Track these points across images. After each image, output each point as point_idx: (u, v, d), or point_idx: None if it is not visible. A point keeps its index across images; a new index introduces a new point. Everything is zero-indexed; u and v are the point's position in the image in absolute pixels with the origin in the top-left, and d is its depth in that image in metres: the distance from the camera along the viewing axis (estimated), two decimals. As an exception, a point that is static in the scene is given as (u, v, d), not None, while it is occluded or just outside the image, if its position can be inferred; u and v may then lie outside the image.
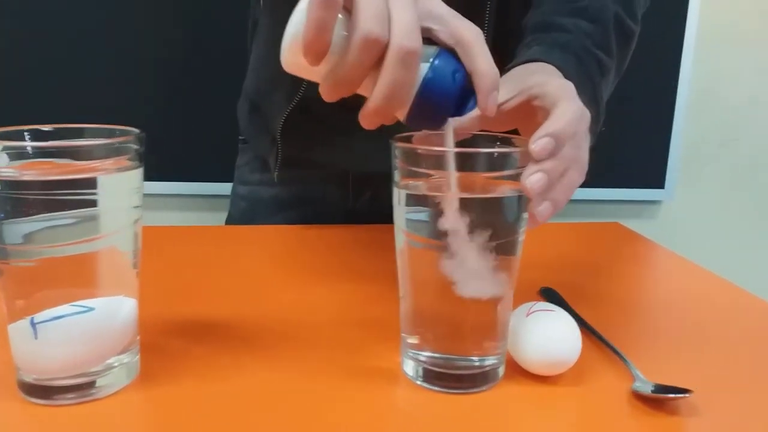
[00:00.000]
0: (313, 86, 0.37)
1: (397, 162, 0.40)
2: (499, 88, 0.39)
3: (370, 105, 0.36)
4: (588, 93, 0.51)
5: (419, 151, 0.39)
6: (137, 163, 0.39)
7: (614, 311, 0.56)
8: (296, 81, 0.68)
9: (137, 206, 0.39)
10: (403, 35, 0.34)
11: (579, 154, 0.41)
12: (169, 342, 0.46)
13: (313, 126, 0.73)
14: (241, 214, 0.87)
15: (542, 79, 0.44)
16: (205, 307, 0.53)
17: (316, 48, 0.34)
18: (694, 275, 0.67)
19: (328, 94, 0.36)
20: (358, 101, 0.37)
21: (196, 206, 1.28)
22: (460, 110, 0.39)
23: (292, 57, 0.36)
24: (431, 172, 0.38)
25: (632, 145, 1.35)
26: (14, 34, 1.13)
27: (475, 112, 0.40)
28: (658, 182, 1.38)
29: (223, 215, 0.89)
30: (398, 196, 0.41)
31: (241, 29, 0.86)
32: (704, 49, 1.35)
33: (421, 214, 0.40)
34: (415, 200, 0.40)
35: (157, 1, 1.15)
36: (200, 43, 1.18)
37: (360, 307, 0.55)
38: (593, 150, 0.45)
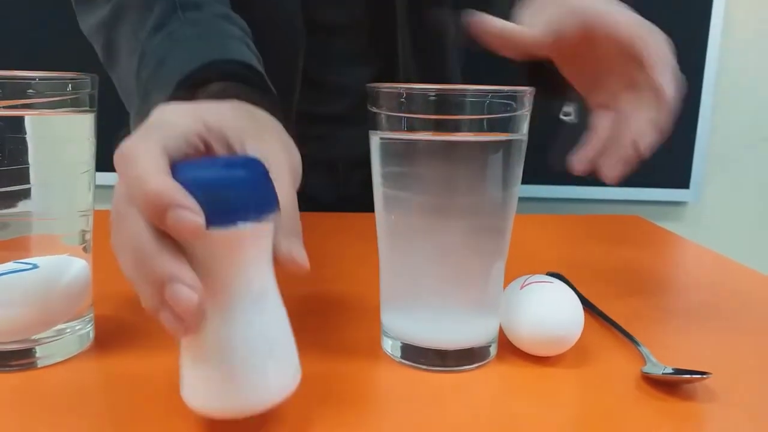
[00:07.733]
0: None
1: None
2: (531, 17, 0.40)
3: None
4: None
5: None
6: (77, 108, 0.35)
7: (626, 297, 0.51)
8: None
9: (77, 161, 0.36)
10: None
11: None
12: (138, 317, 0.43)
13: (301, 114, 0.71)
14: None
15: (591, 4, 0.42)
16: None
17: None
18: (714, 263, 0.61)
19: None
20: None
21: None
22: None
23: None
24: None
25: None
26: None
27: None
28: (682, 182, 1.31)
29: None
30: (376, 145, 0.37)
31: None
32: (731, 41, 1.28)
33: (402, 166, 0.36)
34: (394, 148, 0.36)
35: None
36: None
37: (338, 288, 0.50)
38: None
